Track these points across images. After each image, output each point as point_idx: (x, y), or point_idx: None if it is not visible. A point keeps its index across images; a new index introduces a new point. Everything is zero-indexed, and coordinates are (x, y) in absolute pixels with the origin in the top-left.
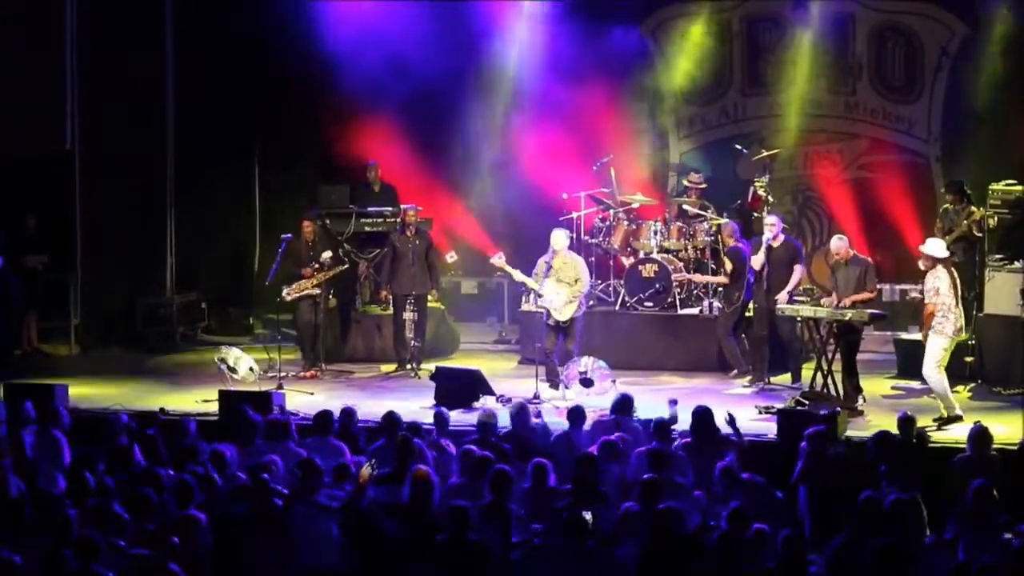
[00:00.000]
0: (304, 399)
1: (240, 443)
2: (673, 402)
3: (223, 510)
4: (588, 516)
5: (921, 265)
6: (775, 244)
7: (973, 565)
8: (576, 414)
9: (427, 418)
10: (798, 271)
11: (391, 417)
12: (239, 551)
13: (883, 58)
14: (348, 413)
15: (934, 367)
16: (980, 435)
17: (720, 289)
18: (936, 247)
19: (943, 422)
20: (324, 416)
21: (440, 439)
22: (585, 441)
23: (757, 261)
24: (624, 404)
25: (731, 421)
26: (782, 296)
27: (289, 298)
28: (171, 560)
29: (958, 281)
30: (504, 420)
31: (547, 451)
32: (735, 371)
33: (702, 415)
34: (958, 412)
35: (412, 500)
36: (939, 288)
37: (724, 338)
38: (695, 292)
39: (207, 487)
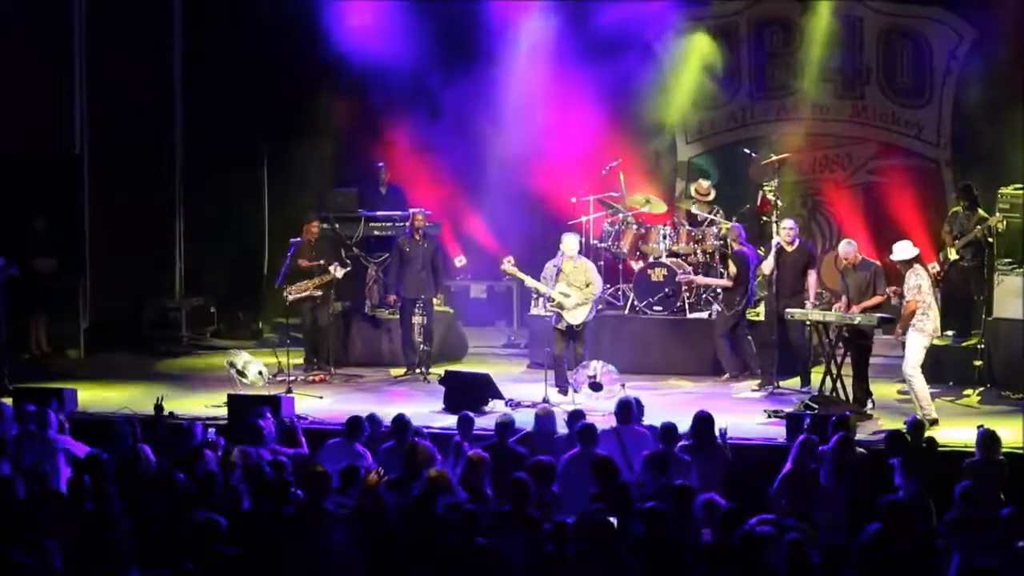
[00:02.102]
0: (313, 403)
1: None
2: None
3: (238, 512)
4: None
5: (900, 269)
6: (789, 248)
7: (969, 568)
8: (576, 417)
9: (435, 422)
10: (813, 276)
11: (401, 421)
12: (260, 555)
13: (892, 62)
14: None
15: (915, 367)
16: (988, 439)
17: (720, 292)
18: (904, 251)
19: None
20: (354, 421)
21: (463, 443)
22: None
23: (767, 265)
24: (623, 410)
25: (723, 435)
26: (809, 303)
27: (290, 298)
28: None
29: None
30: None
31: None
32: (727, 375)
33: (703, 420)
34: (934, 416)
35: (419, 501)
36: (921, 286)
37: (718, 339)
38: (704, 296)
39: (222, 490)
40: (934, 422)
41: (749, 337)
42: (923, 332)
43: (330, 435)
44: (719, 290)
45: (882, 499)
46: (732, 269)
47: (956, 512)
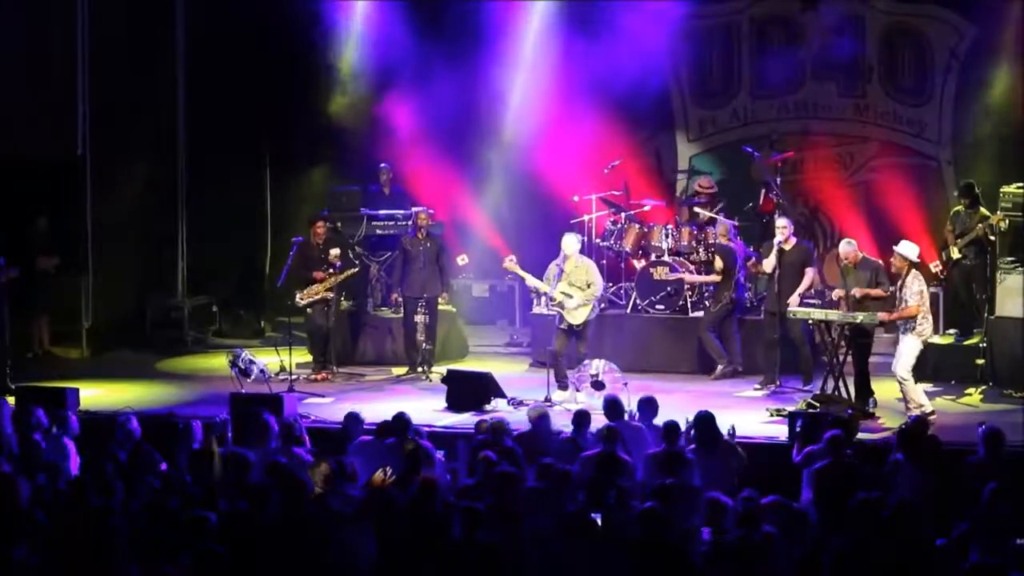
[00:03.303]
0: (315, 401)
1: (254, 446)
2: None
3: (241, 514)
4: (597, 517)
5: (892, 265)
6: (787, 246)
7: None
8: (582, 418)
9: (438, 421)
10: (809, 274)
11: (401, 419)
12: (257, 555)
13: (893, 60)
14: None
15: (908, 370)
16: (993, 436)
17: (711, 289)
18: (910, 249)
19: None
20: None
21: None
22: (591, 444)
23: (769, 264)
24: (613, 407)
25: (732, 434)
26: (793, 299)
27: (302, 303)
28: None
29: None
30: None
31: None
32: (720, 367)
33: (704, 419)
34: (931, 409)
35: (416, 503)
36: (923, 291)
37: (704, 333)
38: (706, 294)
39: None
40: (931, 414)
41: (736, 335)
42: (921, 336)
43: (332, 433)
44: (711, 287)
45: (856, 500)
46: (718, 263)
47: (982, 511)
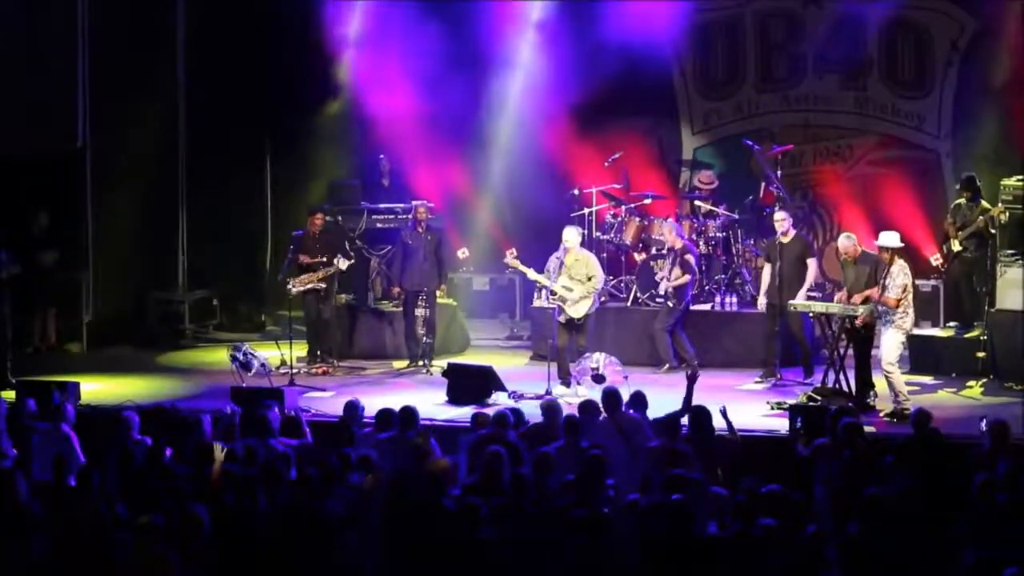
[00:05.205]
0: (316, 395)
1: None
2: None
3: (242, 507)
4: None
5: (882, 256)
6: (785, 239)
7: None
8: (586, 410)
9: (439, 415)
10: (812, 265)
11: (407, 412)
12: (257, 548)
13: (894, 54)
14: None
15: (892, 363)
16: (998, 428)
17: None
18: (891, 238)
19: (894, 416)
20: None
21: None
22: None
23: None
24: (611, 399)
25: (723, 412)
26: (801, 293)
27: (294, 290)
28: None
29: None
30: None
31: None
32: (666, 365)
33: (699, 414)
34: (910, 407)
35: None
36: (907, 284)
37: (659, 332)
38: (707, 288)
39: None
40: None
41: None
42: (902, 329)
43: (333, 426)
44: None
45: (867, 493)
46: (690, 259)
47: (976, 504)
